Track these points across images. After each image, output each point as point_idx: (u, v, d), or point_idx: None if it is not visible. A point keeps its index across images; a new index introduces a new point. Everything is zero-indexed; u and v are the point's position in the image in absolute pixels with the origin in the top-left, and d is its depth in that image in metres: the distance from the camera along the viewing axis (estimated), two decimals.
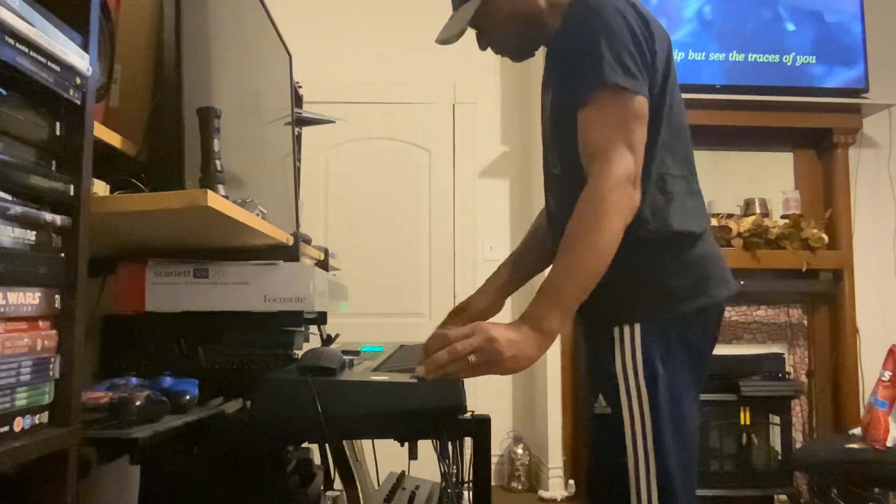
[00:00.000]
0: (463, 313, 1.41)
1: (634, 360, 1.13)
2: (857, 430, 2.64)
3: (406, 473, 1.61)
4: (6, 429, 0.62)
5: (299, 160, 2.07)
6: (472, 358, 0.96)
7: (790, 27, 3.35)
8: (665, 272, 1.16)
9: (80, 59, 0.71)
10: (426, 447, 0.95)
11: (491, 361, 0.97)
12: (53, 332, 0.69)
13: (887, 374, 2.59)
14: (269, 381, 0.94)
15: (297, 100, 2.13)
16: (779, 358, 3.27)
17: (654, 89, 1.14)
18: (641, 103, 1.10)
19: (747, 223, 3.20)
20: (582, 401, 1.35)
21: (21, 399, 0.63)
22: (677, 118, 1.21)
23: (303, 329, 1.30)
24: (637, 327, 1.13)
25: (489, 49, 1.33)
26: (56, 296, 0.69)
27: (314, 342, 1.45)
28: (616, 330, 1.14)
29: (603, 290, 1.09)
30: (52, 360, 0.68)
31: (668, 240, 1.16)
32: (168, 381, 0.95)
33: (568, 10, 1.21)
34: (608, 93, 1.09)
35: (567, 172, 1.22)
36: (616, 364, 1.13)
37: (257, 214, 1.08)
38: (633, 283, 1.15)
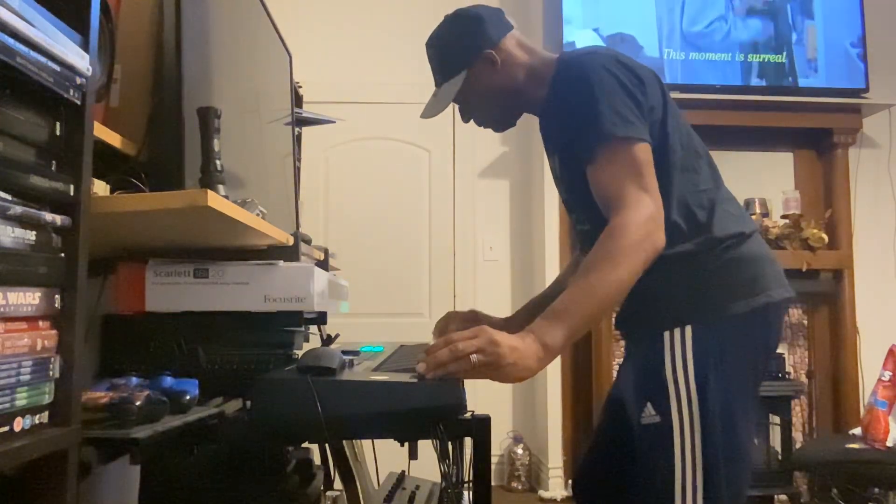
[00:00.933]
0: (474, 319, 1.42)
1: (685, 363, 1.11)
2: (857, 430, 2.64)
3: (406, 473, 1.61)
4: (6, 429, 0.61)
5: (299, 160, 2.07)
6: (473, 358, 0.96)
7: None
8: (715, 271, 1.15)
9: (80, 59, 0.71)
10: (426, 447, 0.95)
11: (491, 364, 0.97)
12: (53, 332, 0.68)
13: (887, 374, 2.58)
14: (269, 381, 0.94)
15: (297, 100, 2.13)
16: (779, 358, 3.26)
17: (656, 124, 1.18)
18: (645, 149, 1.12)
19: None
20: (612, 414, 1.33)
21: (21, 399, 0.63)
22: (688, 138, 1.24)
23: (303, 329, 1.29)
24: (688, 329, 1.12)
25: (472, 121, 1.39)
26: (56, 296, 0.69)
27: (314, 342, 1.45)
28: (667, 334, 1.13)
29: (650, 298, 1.10)
30: (52, 360, 0.68)
31: (714, 243, 1.16)
32: (168, 381, 0.95)
33: (555, 77, 1.25)
34: (611, 145, 1.11)
35: (597, 228, 1.23)
36: (666, 368, 1.12)
37: (257, 214, 1.08)
38: (683, 287, 1.15)
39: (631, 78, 1.16)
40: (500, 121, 1.38)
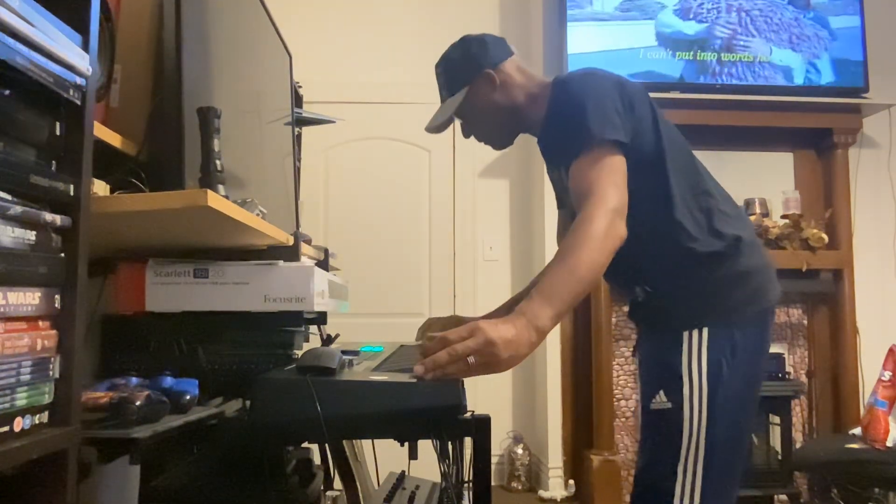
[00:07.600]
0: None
1: (700, 360, 1.23)
2: (857, 430, 2.65)
3: (406, 473, 1.61)
4: (6, 429, 0.61)
5: (299, 160, 2.07)
6: (470, 359, 0.97)
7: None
8: (731, 279, 1.27)
9: (80, 59, 0.71)
10: (426, 447, 0.95)
11: (488, 363, 0.98)
12: (53, 332, 0.68)
13: (887, 374, 2.59)
14: (268, 381, 0.94)
15: (297, 100, 2.13)
16: (779, 358, 3.26)
17: (648, 135, 1.28)
18: (622, 161, 1.21)
19: None
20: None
21: (21, 399, 0.63)
22: (682, 143, 1.34)
23: (303, 329, 1.30)
24: (705, 331, 1.24)
25: (472, 137, 1.51)
26: (56, 296, 0.69)
27: (314, 342, 1.45)
28: (685, 334, 1.25)
29: (671, 301, 1.27)
30: (52, 360, 0.68)
31: (721, 248, 1.27)
32: (168, 381, 0.95)
33: (552, 94, 1.35)
34: (597, 146, 1.20)
35: None
36: (682, 363, 1.24)
37: (257, 214, 1.08)
38: (701, 292, 1.27)
39: (621, 93, 1.26)
40: (498, 138, 1.50)
